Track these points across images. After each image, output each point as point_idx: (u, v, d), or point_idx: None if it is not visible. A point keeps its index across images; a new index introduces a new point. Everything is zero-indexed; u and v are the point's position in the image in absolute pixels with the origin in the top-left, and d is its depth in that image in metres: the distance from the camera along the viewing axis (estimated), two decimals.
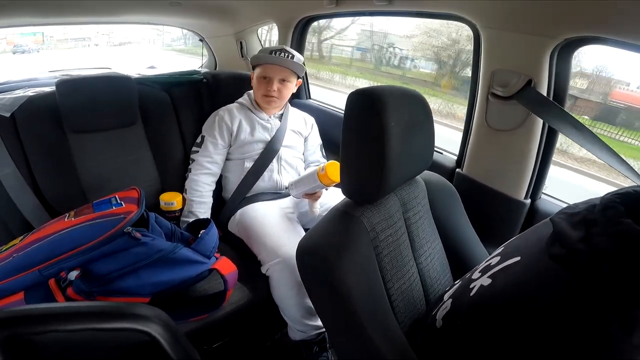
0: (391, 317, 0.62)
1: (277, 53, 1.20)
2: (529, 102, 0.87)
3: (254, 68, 1.26)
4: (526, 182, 0.98)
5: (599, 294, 0.39)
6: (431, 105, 0.75)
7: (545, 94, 0.87)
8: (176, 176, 1.32)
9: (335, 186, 1.11)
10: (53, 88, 1.13)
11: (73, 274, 0.72)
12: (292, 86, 1.26)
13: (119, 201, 0.89)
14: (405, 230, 0.74)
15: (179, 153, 1.35)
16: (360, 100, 0.62)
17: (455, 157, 1.16)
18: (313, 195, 1.14)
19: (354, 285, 0.58)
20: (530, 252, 0.49)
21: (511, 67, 0.88)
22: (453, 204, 0.86)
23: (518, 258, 0.49)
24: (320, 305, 0.66)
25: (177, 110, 1.37)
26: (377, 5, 1.04)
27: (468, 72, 1.05)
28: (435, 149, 1.22)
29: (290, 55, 1.21)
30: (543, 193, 1.03)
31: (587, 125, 0.80)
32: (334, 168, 1.05)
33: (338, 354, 0.68)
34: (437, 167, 1.11)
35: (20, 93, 1.16)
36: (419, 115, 0.70)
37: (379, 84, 0.74)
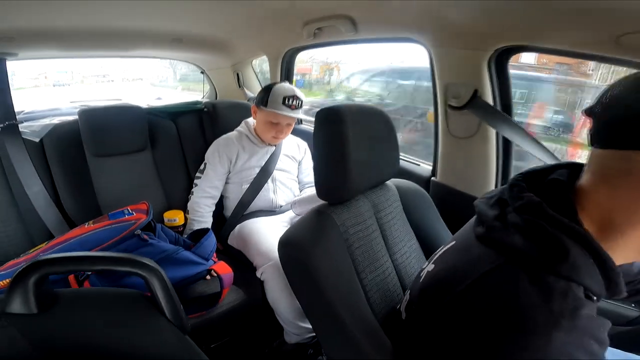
0: (364, 303, 0.67)
1: (289, 100, 1.25)
2: (478, 110, 0.99)
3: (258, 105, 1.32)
4: (492, 184, 1.07)
5: (516, 266, 0.41)
6: None
7: (491, 101, 0.99)
8: (180, 196, 1.46)
9: None
10: (75, 117, 1.30)
11: None
12: (294, 123, 1.37)
13: (130, 211, 1.04)
14: (377, 229, 0.81)
15: (183, 175, 1.50)
16: (324, 116, 0.73)
17: (430, 168, 1.25)
18: None
19: (325, 269, 0.65)
20: (462, 236, 0.54)
21: (459, 80, 1.01)
22: (425, 207, 0.93)
23: (454, 242, 0.55)
24: (300, 292, 0.72)
25: (181, 137, 1.53)
26: (346, 35, 1.20)
27: None
28: (411, 160, 1.34)
29: (299, 103, 1.27)
30: None
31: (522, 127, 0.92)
32: None
33: (320, 341, 0.73)
34: (414, 177, 1.19)
35: (46, 121, 1.34)
36: (380, 129, 0.80)
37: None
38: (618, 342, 0.71)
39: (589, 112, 0.41)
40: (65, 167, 1.27)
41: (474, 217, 0.56)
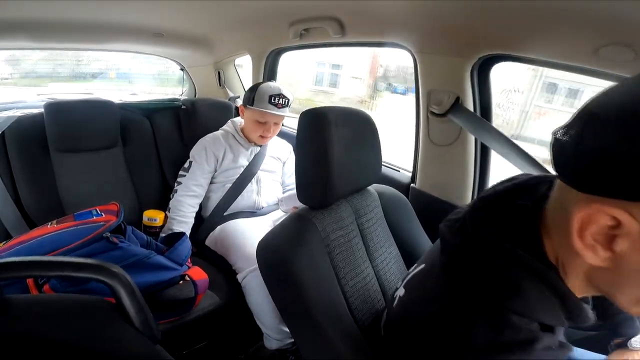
0: (344, 310, 0.67)
1: (276, 99, 1.25)
2: (459, 118, 1.00)
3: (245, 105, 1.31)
4: (469, 192, 1.09)
5: (473, 301, 0.39)
6: None
7: (472, 108, 1.01)
8: (153, 197, 1.40)
9: None
10: (41, 110, 1.22)
11: None
12: (281, 122, 1.37)
13: (99, 212, 0.98)
14: (358, 234, 0.80)
15: (157, 175, 1.44)
16: (308, 119, 0.71)
17: (410, 174, 1.26)
18: None
19: (306, 276, 0.64)
20: (431, 260, 0.50)
21: (442, 87, 1.02)
22: (405, 212, 0.93)
23: (423, 265, 0.52)
24: (278, 298, 0.71)
25: (155, 135, 1.47)
26: (333, 38, 1.19)
27: None
28: (391, 166, 1.35)
29: (286, 101, 1.28)
30: None
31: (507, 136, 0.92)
32: None
33: (298, 347, 0.71)
34: (393, 184, 1.17)
35: (9, 113, 1.24)
36: (364, 133, 0.79)
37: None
38: (586, 344, 0.75)
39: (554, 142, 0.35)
40: (26, 163, 1.18)
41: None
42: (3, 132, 1.16)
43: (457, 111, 1.00)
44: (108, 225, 0.88)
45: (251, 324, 1.10)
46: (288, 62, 1.68)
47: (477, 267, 0.39)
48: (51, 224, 0.92)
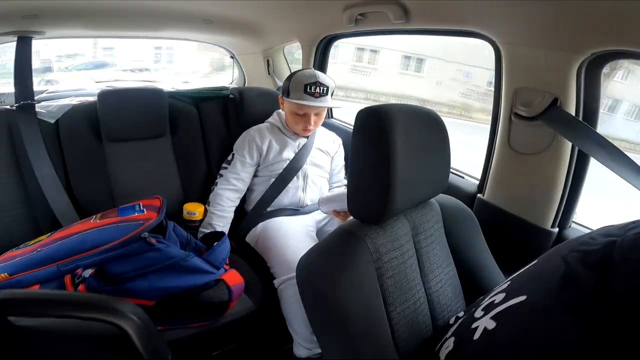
0: (387, 339, 0.60)
1: (312, 87, 1.16)
2: (556, 123, 0.82)
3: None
4: (553, 210, 0.92)
5: (613, 350, 0.34)
6: None
7: (573, 113, 0.81)
8: (198, 188, 1.38)
9: None
10: (94, 98, 1.24)
11: (88, 272, 0.76)
12: (324, 112, 1.28)
13: (141, 208, 0.94)
14: (414, 254, 0.71)
15: (202, 165, 1.42)
16: (369, 118, 0.61)
17: (477, 182, 1.11)
18: (343, 215, 1.13)
19: (350, 304, 0.57)
20: (537, 292, 0.43)
21: (535, 85, 0.83)
22: (470, 229, 0.82)
23: (523, 297, 0.43)
24: (315, 321, 0.66)
25: (203, 124, 1.44)
26: (394, 24, 1.04)
27: None
28: (455, 172, 1.20)
29: (324, 89, 1.17)
30: (573, 222, 0.95)
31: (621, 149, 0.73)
32: None
33: None
34: (456, 192, 1.06)
35: (66, 101, 1.28)
36: (433, 136, 0.68)
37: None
38: None
39: None
40: (79, 151, 1.21)
41: (547, 261, 0.45)
42: (57, 120, 1.19)
43: (553, 115, 0.81)
44: (147, 224, 0.84)
45: (282, 327, 1.06)
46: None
47: (631, 310, 0.33)
48: (95, 218, 0.91)
